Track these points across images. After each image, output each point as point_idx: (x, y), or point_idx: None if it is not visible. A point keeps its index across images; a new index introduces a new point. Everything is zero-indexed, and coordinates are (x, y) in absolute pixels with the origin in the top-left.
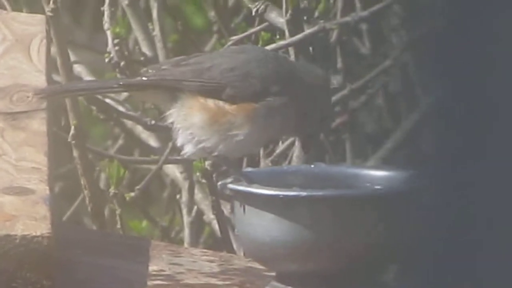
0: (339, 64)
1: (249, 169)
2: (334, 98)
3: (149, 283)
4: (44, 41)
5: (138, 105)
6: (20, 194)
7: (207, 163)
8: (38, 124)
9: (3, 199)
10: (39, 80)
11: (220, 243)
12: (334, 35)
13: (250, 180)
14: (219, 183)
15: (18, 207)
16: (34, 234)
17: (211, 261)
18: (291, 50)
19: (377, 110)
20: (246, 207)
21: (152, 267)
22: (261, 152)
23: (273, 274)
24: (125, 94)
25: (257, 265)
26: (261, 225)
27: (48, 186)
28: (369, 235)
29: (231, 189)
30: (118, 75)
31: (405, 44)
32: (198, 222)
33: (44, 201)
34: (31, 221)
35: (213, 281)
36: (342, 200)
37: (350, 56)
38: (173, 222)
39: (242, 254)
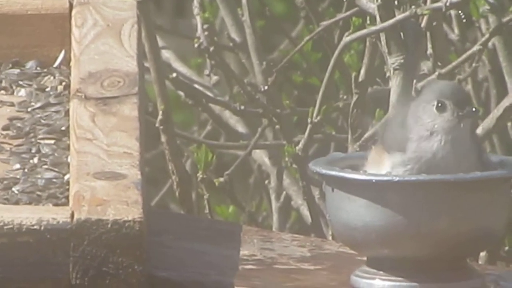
0: (429, 50)
1: (338, 153)
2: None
3: (241, 267)
4: (135, 26)
5: (226, 91)
6: (112, 179)
7: (297, 147)
8: (129, 109)
9: (95, 183)
10: (130, 66)
11: (306, 228)
12: (424, 21)
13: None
14: (311, 168)
15: (109, 192)
16: (125, 219)
17: (302, 246)
18: (382, 36)
19: None
20: (338, 192)
21: (243, 252)
22: (349, 137)
23: (364, 258)
24: (214, 79)
25: (348, 250)
26: (353, 210)
27: (139, 171)
28: (462, 220)
29: (323, 174)
30: (208, 61)
31: (494, 29)
32: (286, 208)
33: (136, 186)
34: (123, 205)
35: (305, 265)
36: (435, 185)
37: (440, 42)
38: (259, 207)
39: (331, 238)
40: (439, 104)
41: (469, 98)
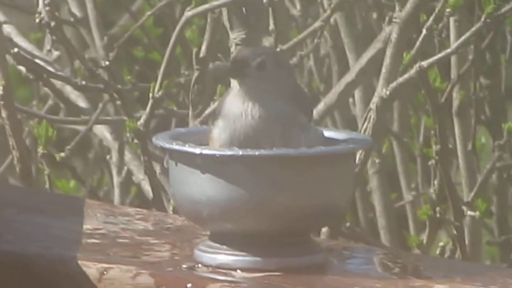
0: (271, 26)
1: (181, 128)
2: None
3: (84, 241)
4: None
5: (68, 66)
6: None
7: (139, 123)
8: None
9: None
10: None
11: (147, 203)
12: None
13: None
14: (154, 142)
15: None
16: None
17: (146, 220)
18: (224, 11)
19: (308, 72)
20: (182, 166)
21: (87, 226)
22: (190, 112)
23: (208, 233)
24: (55, 54)
25: (191, 224)
26: (197, 184)
27: None
28: (305, 195)
29: (167, 148)
30: (49, 36)
31: (335, 5)
32: (127, 183)
33: None
34: None
35: (149, 239)
36: (277, 159)
37: (282, 18)
38: (101, 182)
39: (171, 213)
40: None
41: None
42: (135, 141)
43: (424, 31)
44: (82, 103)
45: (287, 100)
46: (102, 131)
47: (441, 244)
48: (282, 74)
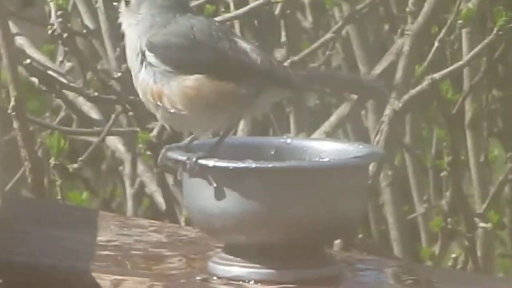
0: (283, 38)
1: (194, 140)
2: None
3: (98, 253)
4: None
5: (80, 77)
6: None
7: (152, 134)
8: None
9: None
10: None
11: (160, 215)
12: (278, 8)
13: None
14: (167, 154)
15: None
16: None
17: (159, 232)
18: (236, 23)
19: None
20: (196, 178)
21: (101, 238)
22: None
23: (222, 245)
24: (67, 65)
25: (205, 236)
26: (210, 197)
27: None
28: (319, 208)
29: (180, 161)
30: (61, 47)
31: (347, 17)
32: (139, 194)
33: None
34: None
35: (162, 251)
36: (291, 172)
37: (294, 29)
38: (113, 194)
39: (183, 225)
40: None
41: None
42: (148, 152)
43: (436, 43)
44: (94, 114)
45: None
46: (115, 143)
47: (453, 255)
48: None
